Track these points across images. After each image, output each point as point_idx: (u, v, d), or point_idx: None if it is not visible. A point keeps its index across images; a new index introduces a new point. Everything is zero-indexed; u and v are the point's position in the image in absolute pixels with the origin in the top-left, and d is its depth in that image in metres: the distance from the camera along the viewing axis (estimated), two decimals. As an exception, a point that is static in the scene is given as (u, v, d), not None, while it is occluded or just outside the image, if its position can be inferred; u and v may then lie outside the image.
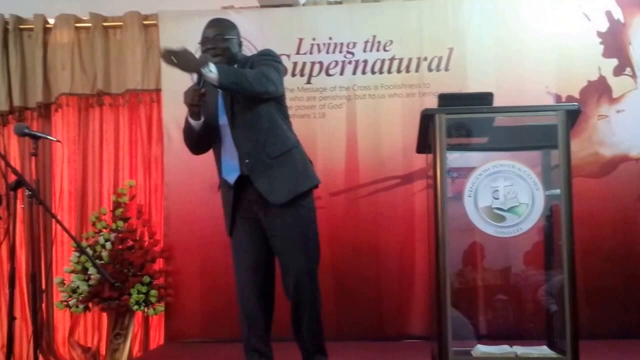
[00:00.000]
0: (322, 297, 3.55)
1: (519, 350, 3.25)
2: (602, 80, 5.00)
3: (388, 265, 5.02)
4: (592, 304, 4.67)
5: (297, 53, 5.21)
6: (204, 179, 5.18)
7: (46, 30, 5.49)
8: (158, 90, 5.39)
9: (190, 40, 5.24)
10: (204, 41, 3.47)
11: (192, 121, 3.42)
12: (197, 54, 3.52)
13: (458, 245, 3.72)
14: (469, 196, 3.33)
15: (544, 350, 3.28)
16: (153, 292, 4.98)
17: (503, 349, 3.28)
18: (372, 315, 4.99)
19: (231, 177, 3.47)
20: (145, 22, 5.41)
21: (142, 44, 5.39)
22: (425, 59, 5.11)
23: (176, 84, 5.26)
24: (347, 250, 5.02)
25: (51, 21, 5.49)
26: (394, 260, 5.01)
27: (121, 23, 5.43)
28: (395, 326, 4.99)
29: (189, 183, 5.21)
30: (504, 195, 3.32)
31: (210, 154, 5.13)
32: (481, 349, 3.30)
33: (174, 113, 5.26)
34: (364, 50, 5.17)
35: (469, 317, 3.91)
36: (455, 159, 3.52)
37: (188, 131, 3.49)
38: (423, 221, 4.63)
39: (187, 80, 5.24)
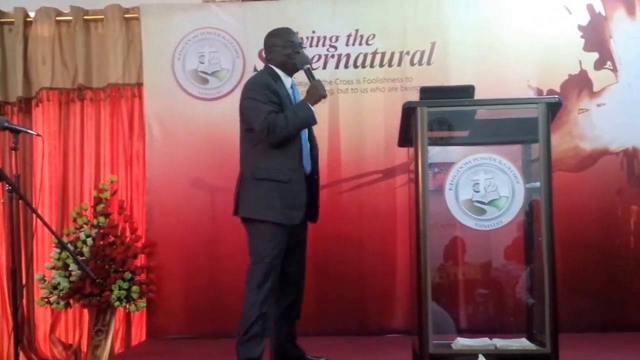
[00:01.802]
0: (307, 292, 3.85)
1: (499, 342, 3.26)
2: (583, 74, 5.02)
3: (370, 260, 5.01)
4: (572, 297, 4.68)
5: (280, 47, 5.19)
6: (186, 174, 5.19)
7: (27, 24, 5.44)
8: (140, 85, 5.36)
9: (172, 33, 5.27)
10: (298, 45, 3.76)
11: (312, 113, 3.61)
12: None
13: (440, 240, 3.73)
14: (450, 189, 3.34)
15: (523, 342, 3.29)
16: (135, 288, 4.96)
17: (483, 341, 3.29)
18: (355, 310, 4.98)
19: (308, 167, 3.70)
20: (126, 16, 5.38)
21: (124, 38, 5.36)
22: (408, 53, 5.10)
23: (158, 78, 5.27)
24: (330, 244, 5.00)
25: (32, 14, 5.44)
26: (376, 254, 5.01)
27: (102, 16, 5.39)
28: (377, 321, 5.00)
29: (171, 178, 5.19)
30: (484, 188, 3.32)
31: (186, 150, 5.14)
32: (461, 342, 3.31)
33: (156, 107, 5.26)
34: (347, 44, 5.16)
35: (450, 311, 3.92)
36: (437, 153, 3.53)
37: (304, 124, 3.64)
38: (405, 215, 4.62)
39: (168, 75, 5.25)
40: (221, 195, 5.13)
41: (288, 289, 3.75)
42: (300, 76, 3.79)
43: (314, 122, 3.67)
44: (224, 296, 5.05)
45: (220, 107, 5.20)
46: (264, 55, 3.87)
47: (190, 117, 5.22)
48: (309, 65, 3.65)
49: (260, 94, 3.57)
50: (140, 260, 5.19)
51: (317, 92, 3.61)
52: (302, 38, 5.12)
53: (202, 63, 5.26)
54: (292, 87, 3.80)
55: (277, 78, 3.70)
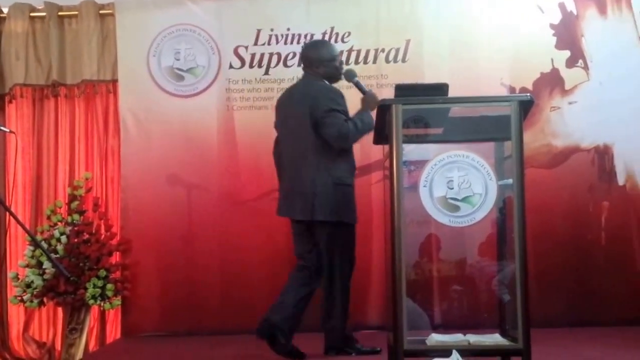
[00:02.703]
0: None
1: (472, 338, 3.28)
2: (555, 72, 5.08)
3: (346, 257, 5.03)
4: (545, 293, 4.75)
5: (255, 44, 5.21)
6: (162, 171, 5.18)
7: (0, 20, 5.38)
8: (115, 81, 5.34)
9: (148, 29, 5.25)
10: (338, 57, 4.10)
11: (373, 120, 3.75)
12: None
13: (415, 237, 3.75)
14: (424, 186, 3.35)
15: (496, 338, 3.32)
16: (109, 285, 4.95)
17: (456, 337, 3.31)
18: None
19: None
20: (101, 12, 5.35)
21: (98, 34, 5.34)
22: (383, 50, 5.13)
23: (133, 74, 5.25)
24: (306, 241, 5.03)
25: (5, 10, 5.40)
26: (351, 251, 5.03)
27: (77, 12, 5.36)
28: (352, 317, 4.99)
29: (146, 175, 5.18)
30: (458, 185, 3.34)
31: (162, 146, 5.12)
32: (435, 337, 3.32)
33: (131, 104, 5.24)
34: (322, 41, 5.17)
35: (424, 308, 3.95)
36: (411, 150, 3.55)
37: (369, 130, 3.89)
38: (380, 212, 4.66)
39: (143, 72, 5.22)
40: (197, 192, 5.14)
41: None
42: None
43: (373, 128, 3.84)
44: (199, 294, 5.06)
45: (196, 103, 5.20)
46: (308, 67, 4.05)
47: (166, 113, 5.21)
48: (357, 78, 4.00)
49: (338, 103, 3.88)
50: (115, 258, 5.17)
51: (373, 100, 3.89)
52: (276, 35, 5.19)
53: (178, 60, 5.25)
54: None
55: None
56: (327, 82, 3.99)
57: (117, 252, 5.16)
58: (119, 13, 5.27)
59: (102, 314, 5.28)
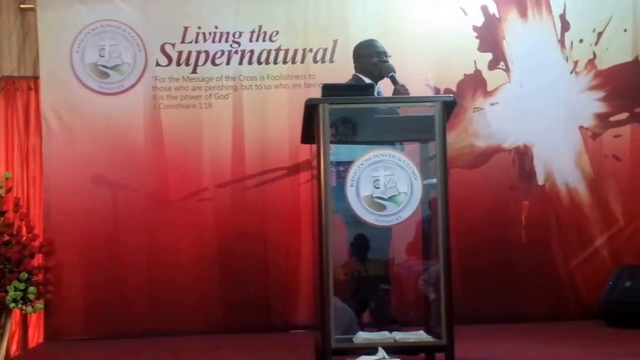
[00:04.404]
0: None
1: (398, 335, 3.35)
2: (477, 73, 5.21)
3: (275, 257, 5.05)
4: (469, 290, 4.87)
5: (182, 42, 5.15)
6: (87, 171, 5.06)
7: None
8: (36, 78, 5.21)
9: (71, 25, 5.12)
10: (383, 54, 4.08)
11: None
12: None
13: (345, 237, 3.79)
14: (352, 185, 3.39)
15: (421, 335, 3.39)
16: (32, 289, 4.83)
17: (383, 334, 3.37)
18: (259, 307, 5.01)
19: None
20: (22, 6, 5.24)
21: (19, 29, 5.22)
22: (311, 50, 5.16)
23: (55, 71, 5.11)
24: (234, 242, 5.02)
25: None
26: (280, 251, 5.05)
27: (-4, 6, 5.19)
28: (282, 317, 5.04)
29: (70, 175, 5.06)
30: (384, 184, 3.39)
31: (86, 145, 5.02)
32: (363, 335, 3.37)
33: (53, 101, 5.11)
34: (250, 40, 5.16)
35: (352, 307, 4.00)
36: (339, 150, 3.57)
37: None
38: (309, 212, 4.69)
39: (66, 68, 5.09)
40: (123, 192, 5.05)
41: None
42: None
43: None
44: (125, 296, 4.98)
45: (122, 101, 5.12)
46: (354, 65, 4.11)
47: (90, 111, 5.10)
48: (393, 73, 3.93)
49: None
50: (38, 260, 5.03)
51: (401, 94, 3.83)
52: (204, 33, 5.14)
53: (103, 56, 5.14)
54: (378, 93, 4.02)
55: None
56: (367, 78, 4.00)
57: (40, 254, 5.03)
58: (40, 8, 5.13)
59: (25, 318, 5.14)
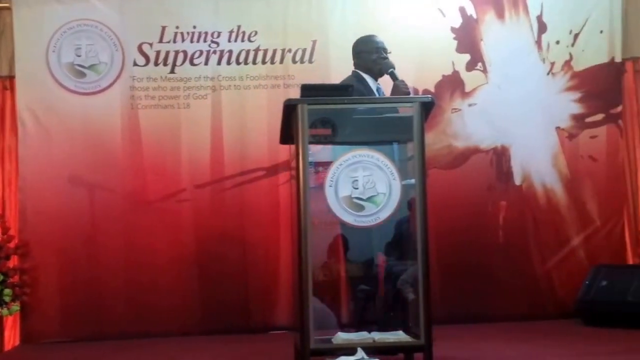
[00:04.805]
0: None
1: (377, 336, 3.36)
2: (455, 74, 5.23)
3: (253, 258, 5.04)
4: (447, 290, 4.89)
5: (160, 41, 5.12)
6: (63, 171, 5.02)
7: None
8: (12, 77, 5.15)
9: (47, 24, 5.07)
10: (383, 51, 4.03)
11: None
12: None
13: (324, 237, 3.79)
14: (330, 186, 3.40)
15: (399, 335, 3.40)
16: (7, 290, 4.78)
17: (362, 335, 3.38)
18: (238, 308, 4.99)
19: None
20: (-3, 5, 5.16)
21: (-7, 28, 5.13)
22: (290, 50, 5.15)
23: (31, 70, 5.06)
24: (212, 243, 5.00)
25: None
26: (259, 252, 5.04)
27: (-30, 5, 5.13)
28: (261, 318, 5.02)
29: (46, 175, 5.02)
30: (363, 185, 3.40)
31: (62, 145, 4.97)
32: (342, 336, 3.38)
33: (29, 101, 5.06)
34: (229, 40, 5.14)
35: (332, 308, 4.01)
36: (318, 150, 3.58)
37: None
38: (288, 213, 4.69)
39: (42, 68, 5.04)
40: (100, 193, 5.01)
41: None
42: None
43: None
44: (103, 298, 4.95)
45: (99, 101, 5.08)
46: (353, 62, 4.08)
47: (67, 111, 5.06)
48: (392, 69, 3.93)
49: None
50: (13, 262, 4.97)
51: (399, 91, 3.86)
52: (182, 33, 5.11)
53: (79, 56, 5.10)
54: (377, 90, 4.03)
55: (363, 81, 3.96)
56: (366, 75, 4.00)
57: (15, 256, 4.97)
58: (16, 6, 5.08)
59: (0, 321, 5.05)
